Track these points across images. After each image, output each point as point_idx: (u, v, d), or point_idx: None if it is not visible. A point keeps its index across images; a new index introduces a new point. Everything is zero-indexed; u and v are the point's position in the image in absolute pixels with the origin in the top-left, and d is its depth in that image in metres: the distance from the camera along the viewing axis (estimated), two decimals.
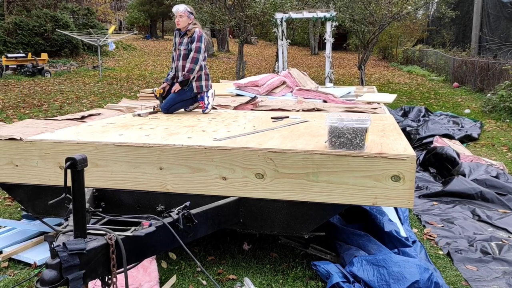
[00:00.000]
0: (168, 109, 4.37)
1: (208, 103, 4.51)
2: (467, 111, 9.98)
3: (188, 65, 4.30)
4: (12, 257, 3.22)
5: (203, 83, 4.45)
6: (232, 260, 3.21)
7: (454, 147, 6.19)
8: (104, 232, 1.97)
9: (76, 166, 1.76)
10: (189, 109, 4.60)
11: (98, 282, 1.98)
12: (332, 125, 2.65)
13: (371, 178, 2.63)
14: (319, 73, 17.72)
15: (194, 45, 4.27)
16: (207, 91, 4.53)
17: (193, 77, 4.39)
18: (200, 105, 4.55)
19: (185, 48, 4.34)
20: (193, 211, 2.44)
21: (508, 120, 8.78)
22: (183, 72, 4.33)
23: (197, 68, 4.31)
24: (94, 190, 2.99)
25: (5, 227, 3.67)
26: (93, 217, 2.40)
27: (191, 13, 4.36)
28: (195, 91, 4.42)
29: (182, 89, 4.39)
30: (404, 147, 2.77)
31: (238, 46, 15.97)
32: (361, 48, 15.32)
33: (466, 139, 7.21)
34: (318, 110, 4.67)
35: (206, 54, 4.43)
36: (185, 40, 4.33)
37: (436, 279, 2.66)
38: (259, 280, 2.95)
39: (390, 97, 6.37)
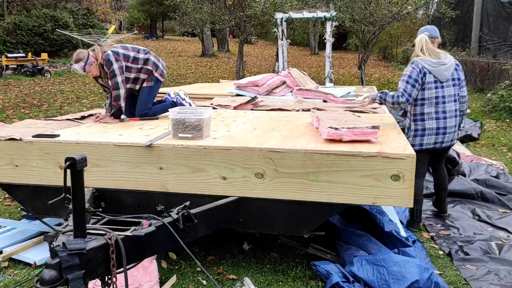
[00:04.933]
0: (147, 113, 4.03)
1: (189, 104, 4.33)
2: (467, 111, 9.98)
3: (112, 93, 3.84)
4: (12, 257, 3.23)
5: (160, 67, 4.07)
6: (232, 260, 3.21)
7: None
8: (104, 232, 1.97)
9: (75, 166, 1.75)
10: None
11: (98, 282, 1.98)
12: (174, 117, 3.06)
13: (371, 178, 2.63)
14: (319, 73, 17.71)
15: (108, 73, 3.81)
16: (179, 93, 4.28)
17: (150, 70, 3.98)
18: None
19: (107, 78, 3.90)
20: (193, 211, 2.44)
21: (508, 120, 8.77)
22: (112, 103, 3.86)
23: (122, 92, 3.83)
24: (94, 190, 2.99)
25: (5, 227, 3.67)
26: (93, 217, 2.40)
27: (87, 59, 3.75)
28: (161, 79, 4.09)
29: (150, 87, 4.02)
30: (403, 147, 2.77)
31: (238, 46, 15.95)
32: (361, 48, 15.31)
33: (466, 139, 7.21)
34: (318, 110, 4.67)
35: (131, 49, 3.95)
36: (106, 78, 3.91)
37: (436, 278, 2.66)
38: (259, 280, 2.95)
39: None
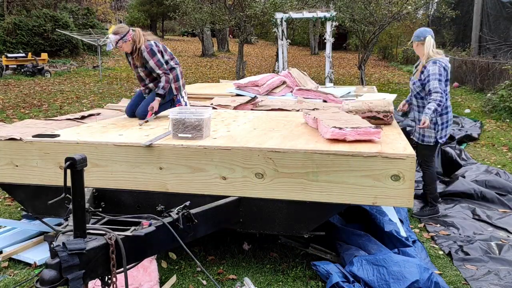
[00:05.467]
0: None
1: (186, 103, 4.39)
2: (467, 111, 9.97)
3: (165, 77, 4.02)
4: (12, 257, 3.23)
5: (180, 82, 4.25)
6: (232, 260, 3.21)
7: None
8: (104, 232, 1.97)
9: (75, 166, 1.76)
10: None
11: (98, 282, 1.98)
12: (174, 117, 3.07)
13: (371, 178, 2.63)
14: (319, 73, 17.71)
15: (151, 64, 3.98)
16: (181, 92, 4.36)
17: (171, 79, 4.14)
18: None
19: (142, 70, 4.07)
20: (193, 211, 2.45)
21: (508, 120, 8.77)
22: (165, 85, 4.02)
23: (170, 76, 4.07)
24: (94, 190, 2.99)
25: (5, 227, 3.67)
26: (93, 217, 2.40)
27: (124, 35, 3.86)
28: (175, 93, 4.22)
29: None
30: (403, 147, 2.77)
31: (238, 46, 15.95)
32: (361, 48, 15.31)
33: (466, 139, 7.21)
34: (318, 110, 4.67)
35: (168, 54, 4.14)
36: (138, 62, 4.04)
37: (436, 278, 2.66)
38: (259, 280, 2.95)
39: (390, 97, 6.36)
